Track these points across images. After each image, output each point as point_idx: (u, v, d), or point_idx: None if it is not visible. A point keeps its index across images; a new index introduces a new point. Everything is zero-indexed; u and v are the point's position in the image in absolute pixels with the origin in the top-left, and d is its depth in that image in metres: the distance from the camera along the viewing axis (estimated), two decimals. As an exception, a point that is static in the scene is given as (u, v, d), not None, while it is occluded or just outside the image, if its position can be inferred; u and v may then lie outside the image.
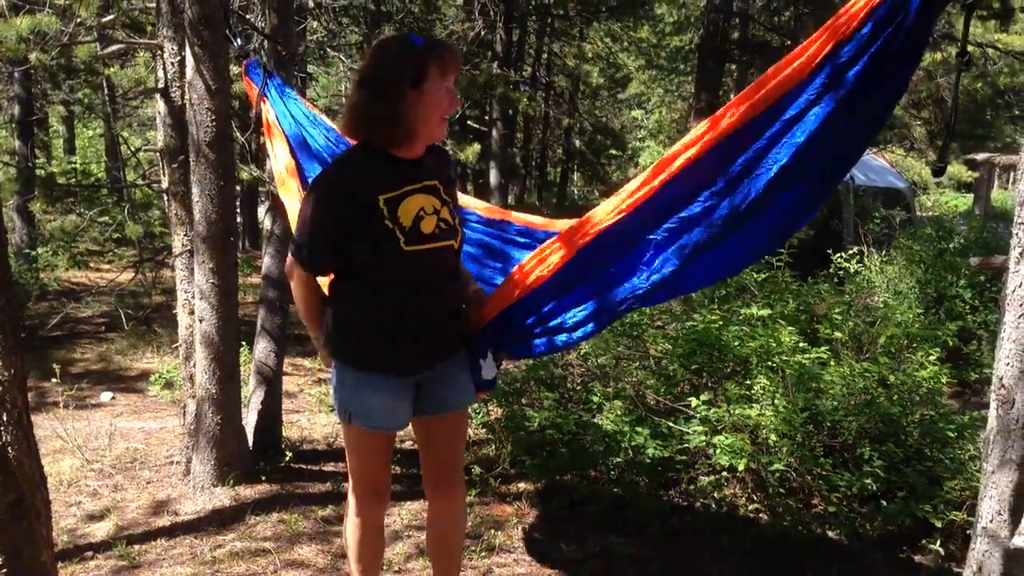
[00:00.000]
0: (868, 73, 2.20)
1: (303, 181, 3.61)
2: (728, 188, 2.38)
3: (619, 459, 4.42)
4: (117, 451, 5.22)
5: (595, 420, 4.62)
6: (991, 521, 1.95)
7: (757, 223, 2.39)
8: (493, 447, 5.06)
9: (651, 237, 2.53)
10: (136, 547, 3.91)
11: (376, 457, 2.85)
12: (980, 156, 15.52)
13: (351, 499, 2.92)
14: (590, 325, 2.72)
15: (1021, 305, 1.86)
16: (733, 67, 16.45)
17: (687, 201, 2.45)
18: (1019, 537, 1.81)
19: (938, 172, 2.32)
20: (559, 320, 2.75)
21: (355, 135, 2.65)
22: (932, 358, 4.91)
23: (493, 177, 13.06)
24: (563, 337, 2.77)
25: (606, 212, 2.60)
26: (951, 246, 9.03)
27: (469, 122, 13.96)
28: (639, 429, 4.44)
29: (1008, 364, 1.91)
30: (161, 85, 4.54)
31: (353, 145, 2.70)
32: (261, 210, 9.87)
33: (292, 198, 3.52)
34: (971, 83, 15.25)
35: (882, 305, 6.22)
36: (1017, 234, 1.88)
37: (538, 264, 2.76)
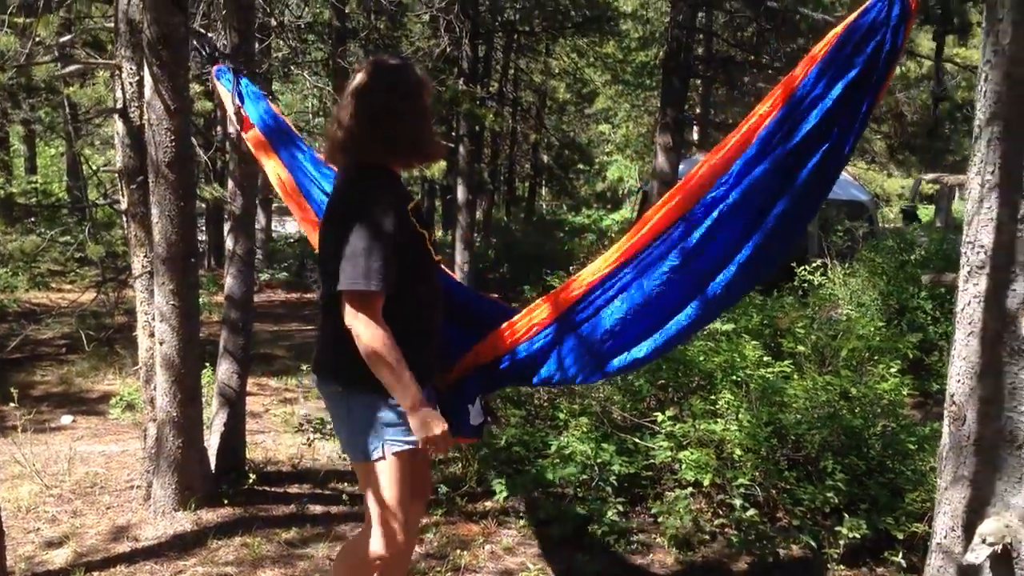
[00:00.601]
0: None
1: (302, 190, 3.65)
2: (692, 252, 2.61)
3: (585, 476, 4.42)
4: (77, 476, 5.13)
5: (561, 437, 4.62)
6: (945, 537, 1.97)
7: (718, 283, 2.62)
8: (460, 465, 5.03)
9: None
10: (95, 574, 3.83)
11: (413, 474, 2.73)
12: (928, 176, 15.77)
13: (380, 546, 2.70)
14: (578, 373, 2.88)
15: (970, 323, 1.89)
16: (698, 82, 16.61)
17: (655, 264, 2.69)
18: (972, 553, 1.83)
19: (910, 217, 2.41)
20: (551, 363, 2.88)
21: (385, 157, 2.63)
22: (893, 370, 4.96)
23: (460, 193, 13.06)
24: (557, 376, 2.91)
25: (589, 273, 2.82)
26: (912, 258, 9.16)
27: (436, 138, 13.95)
28: (605, 446, 4.44)
29: (959, 381, 1.93)
30: (119, 105, 4.49)
31: (365, 166, 2.64)
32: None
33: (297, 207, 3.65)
34: (929, 97, 15.52)
35: (845, 318, 6.28)
36: (966, 253, 1.90)
37: (526, 316, 2.91)
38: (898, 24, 2.20)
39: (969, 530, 1.89)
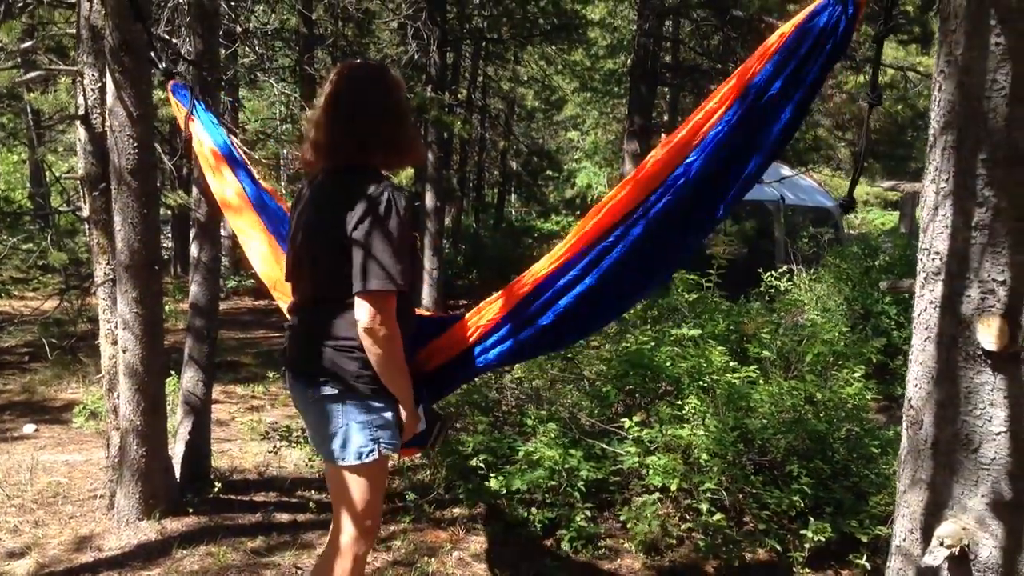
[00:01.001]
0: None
1: (257, 207, 3.62)
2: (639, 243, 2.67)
3: (553, 482, 4.42)
4: (39, 485, 5.06)
5: (529, 443, 4.62)
6: (904, 540, 1.99)
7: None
8: (428, 472, 5.02)
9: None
10: (57, 586, 3.79)
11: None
12: (886, 184, 16.00)
13: (359, 544, 2.72)
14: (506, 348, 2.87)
15: (927, 328, 1.92)
16: (666, 90, 16.73)
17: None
18: (929, 555, 1.85)
19: (847, 208, 2.43)
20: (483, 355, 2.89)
21: (369, 158, 2.63)
22: (857, 375, 5.02)
23: (429, 200, 13.04)
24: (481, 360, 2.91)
25: (539, 268, 2.83)
26: (877, 264, 9.28)
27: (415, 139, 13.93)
28: (573, 451, 4.45)
29: (916, 386, 1.96)
30: (82, 112, 4.44)
31: (357, 168, 2.62)
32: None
33: (247, 226, 3.56)
34: (892, 106, 15.75)
35: (810, 323, 6.34)
36: (922, 259, 1.93)
37: (476, 315, 2.91)
38: (847, 27, 2.25)
39: (927, 532, 1.92)
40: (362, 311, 2.44)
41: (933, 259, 1.89)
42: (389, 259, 2.42)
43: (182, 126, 4.07)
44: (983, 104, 1.75)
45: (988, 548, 1.84)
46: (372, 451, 2.61)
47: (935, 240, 1.87)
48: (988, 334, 1.77)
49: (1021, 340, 1.76)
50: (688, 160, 2.51)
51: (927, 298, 1.92)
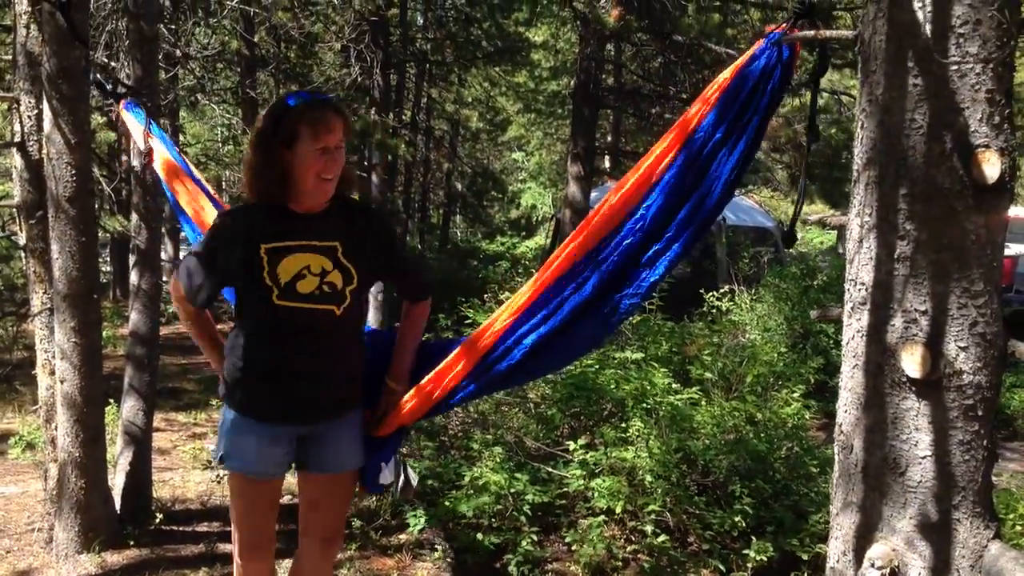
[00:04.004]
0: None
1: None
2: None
3: (499, 506, 4.44)
4: (-28, 521, 4.93)
5: (475, 468, 4.63)
6: (838, 561, 2.05)
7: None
8: (374, 499, 5.00)
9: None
10: (-9, 625, 3.69)
11: (254, 507, 2.81)
12: (813, 217, 16.42)
13: (235, 554, 2.87)
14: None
15: (854, 356, 1.98)
16: (609, 112, 16.92)
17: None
18: (861, 576, 1.92)
19: (789, 241, 2.51)
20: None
21: (248, 189, 2.68)
22: (796, 395, 5.13)
23: (374, 222, 12.98)
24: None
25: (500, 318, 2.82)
26: (815, 283, 9.49)
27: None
28: (519, 475, 4.48)
29: (846, 411, 2.03)
30: (17, 139, 4.37)
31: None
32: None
33: None
34: (826, 129, 16.15)
35: (751, 344, 6.47)
36: (848, 289, 2.00)
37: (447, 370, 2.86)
38: (785, 69, 2.32)
39: (859, 554, 1.98)
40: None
41: (859, 289, 1.96)
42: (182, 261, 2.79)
43: (139, 143, 4.03)
44: (903, 142, 1.83)
45: (917, 569, 1.90)
46: (215, 451, 2.83)
47: (860, 271, 1.94)
48: (912, 362, 1.84)
49: (943, 367, 1.83)
50: (643, 206, 2.57)
51: (854, 327, 1.98)
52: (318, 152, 2.53)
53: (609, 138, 19.11)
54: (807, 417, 5.08)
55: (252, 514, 2.82)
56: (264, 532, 2.85)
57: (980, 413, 1.85)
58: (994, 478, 1.94)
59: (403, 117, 15.72)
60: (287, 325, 2.62)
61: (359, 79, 11.97)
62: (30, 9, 4.10)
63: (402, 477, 2.87)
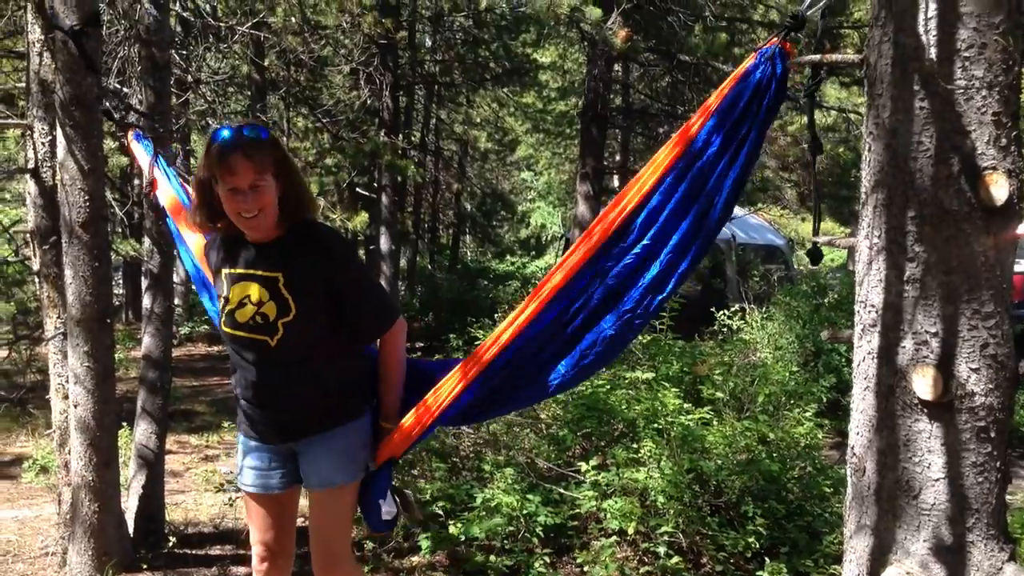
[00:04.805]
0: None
1: None
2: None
3: (511, 528, 4.43)
4: (-14, 545, 4.95)
5: (487, 489, 4.62)
6: (851, 584, 2.05)
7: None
8: (385, 522, 4.98)
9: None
10: (5, 651, 3.70)
11: (257, 516, 2.90)
12: (822, 239, 16.39)
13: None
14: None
15: (866, 378, 1.98)
16: (617, 132, 16.96)
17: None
18: (875, 600, 1.91)
19: (815, 258, 2.52)
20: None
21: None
22: (808, 414, 5.10)
23: (384, 243, 13.04)
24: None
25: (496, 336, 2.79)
26: (826, 301, 9.46)
27: (358, 189, 13.93)
28: (530, 496, 4.46)
29: (858, 433, 2.03)
30: (31, 165, 4.42)
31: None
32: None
33: None
34: (833, 148, 16.15)
35: (762, 363, 6.44)
36: (858, 311, 2.00)
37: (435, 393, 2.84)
38: (779, 84, 2.33)
39: (873, 576, 1.97)
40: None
41: (869, 311, 1.96)
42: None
43: (146, 172, 4.06)
44: (910, 164, 1.84)
45: (931, 591, 1.90)
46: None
47: (870, 293, 1.95)
48: (923, 384, 1.84)
49: (954, 389, 1.83)
50: (646, 207, 2.57)
51: (865, 349, 1.99)
52: (229, 193, 2.53)
53: (618, 157, 19.11)
54: (820, 436, 5.05)
55: (255, 521, 2.92)
56: (271, 547, 2.90)
57: (993, 435, 1.85)
58: (1008, 498, 1.94)
59: (412, 138, 15.82)
60: (235, 352, 2.73)
61: (368, 101, 12.06)
62: (43, 37, 4.15)
63: (399, 504, 2.87)
